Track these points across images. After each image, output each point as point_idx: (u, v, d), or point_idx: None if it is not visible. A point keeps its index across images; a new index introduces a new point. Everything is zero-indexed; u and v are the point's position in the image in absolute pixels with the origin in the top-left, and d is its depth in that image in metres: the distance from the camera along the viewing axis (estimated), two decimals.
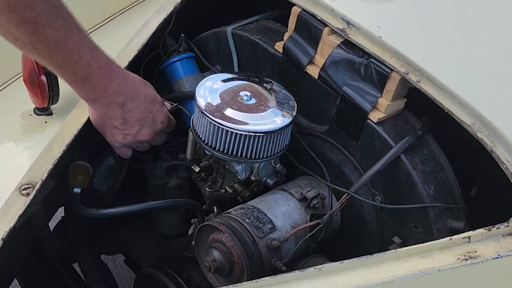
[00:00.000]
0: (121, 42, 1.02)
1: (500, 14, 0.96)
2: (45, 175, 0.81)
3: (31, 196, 0.79)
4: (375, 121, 0.84)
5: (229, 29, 1.05)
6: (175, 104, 0.98)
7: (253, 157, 0.84)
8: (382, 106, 0.83)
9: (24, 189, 0.80)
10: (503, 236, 0.71)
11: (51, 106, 0.99)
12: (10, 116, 1.03)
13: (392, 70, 0.81)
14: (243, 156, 0.84)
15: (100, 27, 1.23)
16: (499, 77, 0.84)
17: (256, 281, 0.70)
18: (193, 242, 0.89)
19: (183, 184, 1.03)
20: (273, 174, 0.94)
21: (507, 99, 0.80)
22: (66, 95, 0.98)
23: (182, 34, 1.09)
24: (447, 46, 0.87)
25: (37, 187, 0.80)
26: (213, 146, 0.84)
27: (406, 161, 0.82)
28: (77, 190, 0.88)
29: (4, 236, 0.76)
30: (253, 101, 0.85)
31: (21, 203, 0.79)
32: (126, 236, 1.17)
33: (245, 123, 0.81)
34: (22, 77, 0.97)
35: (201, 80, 0.91)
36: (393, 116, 0.86)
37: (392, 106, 0.84)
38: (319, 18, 0.88)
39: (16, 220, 0.78)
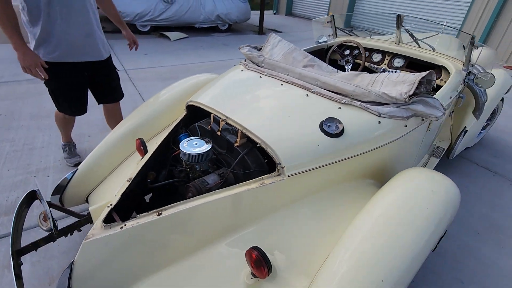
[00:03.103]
0: None
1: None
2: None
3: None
4: (236, 146, 2.31)
5: (196, 124, 2.54)
6: (178, 151, 2.51)
7: (199, 161, 2.31)
8: (238, 142, 2.31)
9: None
10: (272, 177, 2.06)
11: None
12: (129, 168, 2.59)
13: (239, 129, 2.28)
14: (197, 161, 2.31)
15: None
16: (272, 125, 2.25)
17: (200, 196, 2.08)
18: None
19: (188, 174, 2.38)
20: (208, 168, 2.39)
21: (272, 133, 2.21)
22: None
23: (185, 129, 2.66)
24: (255, 117, 2.31)
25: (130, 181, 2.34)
26: (189, 161, 2.29)
27: (246, 157, 2.22)
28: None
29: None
30: (199, 145, 2.33)
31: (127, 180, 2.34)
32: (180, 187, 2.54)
33: (196, 150, 2.28)
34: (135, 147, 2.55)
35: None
36: (243, 144, 2.30)
37: (242, 141, 2.32)
38: (219, 117, 2.34)
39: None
